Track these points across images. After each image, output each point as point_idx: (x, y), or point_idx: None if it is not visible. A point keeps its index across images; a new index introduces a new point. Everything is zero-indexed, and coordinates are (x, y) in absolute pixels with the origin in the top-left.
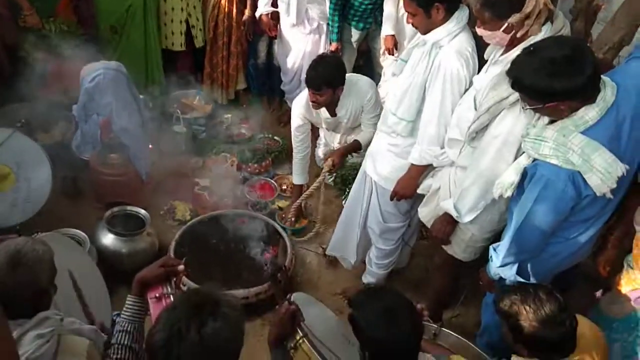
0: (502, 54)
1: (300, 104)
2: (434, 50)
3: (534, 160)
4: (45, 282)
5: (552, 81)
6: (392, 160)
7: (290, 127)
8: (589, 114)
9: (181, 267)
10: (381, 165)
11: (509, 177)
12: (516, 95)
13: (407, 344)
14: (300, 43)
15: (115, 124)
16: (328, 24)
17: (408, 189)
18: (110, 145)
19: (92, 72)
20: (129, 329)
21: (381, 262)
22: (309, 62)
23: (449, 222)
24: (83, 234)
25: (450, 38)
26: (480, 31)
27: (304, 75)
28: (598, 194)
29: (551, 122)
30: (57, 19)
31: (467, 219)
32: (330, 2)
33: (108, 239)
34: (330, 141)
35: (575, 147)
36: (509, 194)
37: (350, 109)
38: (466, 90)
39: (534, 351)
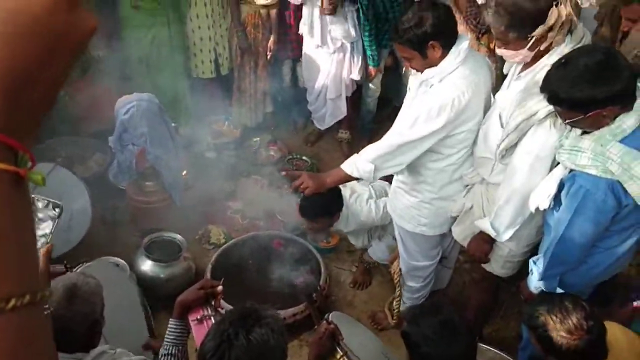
0: (522, 69)
1: None
2: (423, 88)
3: (571, 171)
4: (99, 313)
5: (592, 89)
6: (402, 197)
7: (317, 146)
8: (627, 122)
9: (220, 288)
10: (394, 202)
11: (546, 189)
12: (545, 110)
13: (464, 358)
14: (325, 63)
15: (150, 153)
16: (352, 43)
17: (315, 186)
18: (145, 173)
19: (126, 104)
20: (173, 351)
21: (412, 296)
22: (334, 82)
23: (485, 241)
24: (123, 261)
25: (442, 77)
26: (501, 51)
27: (329, 95)
28: (639, 203)
29: (583, 132)
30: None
31: (506, 236)
32: (364, 31)
33: (147, 265)
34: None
35: (614, 156)
36: (545, 206)
37: (349, 230)
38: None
39: None
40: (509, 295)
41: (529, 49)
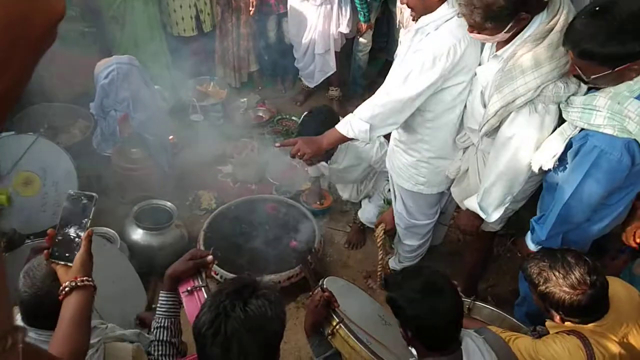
0: (498, 47)
1: None
2: (418, 36)
3: (581, 130)
4: None
5: (634, 41)
6: (400, 156)
7: (307, 105)
8: None
9: (210, 258)
10: (393, 160)
11: (552, 148)
12: (523, 99)
13: (450, 316)
14: (312, 16)
15: (134, 118)
16: None
17: (310, 148)
18: (130, 140)
19: (105, 69)
20: (166, 324)
21: (408, 255)
22: (322, 36)
23: (476, 217)
24: (113, 231)
25: (438, 24)
26: (474, 35)
27: (317, 50)
28: None
29: (589, 89)
30: None
31: (495, 216)
32: None
33: (137, 234)
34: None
35: (632, 114)
36: (550, 166)
37: (345, 165)
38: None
39: (567, 316)
40: (504, 249)
41: (506, 32)
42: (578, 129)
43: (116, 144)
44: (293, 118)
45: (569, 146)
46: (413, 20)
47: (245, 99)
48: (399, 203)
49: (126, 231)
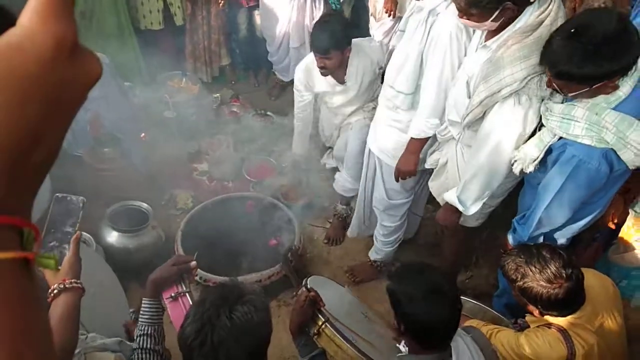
0: (487, 37)
1: (302, 70)
2: (431, 18)
3: (560, 138)
4: None
5: (611, 62)
6: (396, 136)
7: (282, 100)
8: (623, 89)
9: (193, 263)
10: (384, 141)
11: (531, 153)
12: (508, 89)
13: (447, 320)
14: (285, 10)
15: (105, 117)
16: None
17: (409, 165)
18: (102, 139)
19: None
20: (149, 331)
21: (387, 240)
22: (296, 29)
23: (454, 211)
24: (87, 234)
25: (448, 3)
26: (464, 21)
27: (291, 44)
28: (631, 167)
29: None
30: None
31: (473, 210)
32: None
33: (113, 237)
34: (328, 126)
35: (609, 125)
36: (530, 169)
37: (359, 75)
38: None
39: (546, 309)
40: (480, 243)
41: (492, 20)
42: (557, 136)
43: (88, 143)
44: (268, 113)
45: (548, 151)
46: (386, 12)
47: (218, 94)
48: (379, 186)
49: (101, 234)
